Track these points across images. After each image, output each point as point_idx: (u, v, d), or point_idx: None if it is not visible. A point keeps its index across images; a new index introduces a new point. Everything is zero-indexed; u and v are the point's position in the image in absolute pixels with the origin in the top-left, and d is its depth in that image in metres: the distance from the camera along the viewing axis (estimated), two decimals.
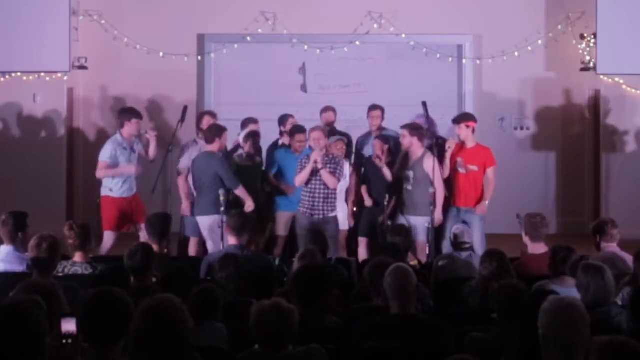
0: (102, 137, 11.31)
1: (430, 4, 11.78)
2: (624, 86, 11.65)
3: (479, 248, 8.24)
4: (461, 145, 9.07)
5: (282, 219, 9.17)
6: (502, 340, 4.58)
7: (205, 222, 8.60)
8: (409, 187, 8.87)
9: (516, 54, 11.64)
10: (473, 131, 9.10)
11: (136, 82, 11.75)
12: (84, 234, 6.70)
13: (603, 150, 11.74)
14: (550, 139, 12.02)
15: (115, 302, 3.84)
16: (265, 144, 9.78)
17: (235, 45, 11.86)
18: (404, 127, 9.05)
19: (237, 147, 9.43)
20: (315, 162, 8.55)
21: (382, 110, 9.93)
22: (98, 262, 6.78)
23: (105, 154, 8.99)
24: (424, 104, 9.16)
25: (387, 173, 8.95)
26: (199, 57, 11.83)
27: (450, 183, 8.97)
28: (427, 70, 11.88)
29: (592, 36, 11.46)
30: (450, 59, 11.90)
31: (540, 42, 11.71)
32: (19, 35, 11.12)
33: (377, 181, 9.10)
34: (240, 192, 8.61)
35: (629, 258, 6.53)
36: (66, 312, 4.33)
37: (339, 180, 8.73)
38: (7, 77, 11.50)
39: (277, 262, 7.28)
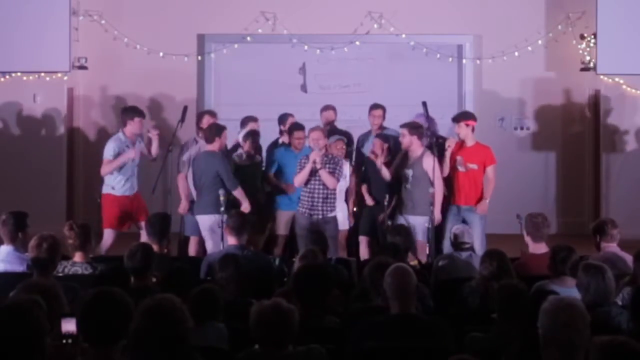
0: (102, 137, 11.32)
1: (430, 4, 11.78)
2: (624, 86, 11.65)
3: (479, 247, 8.24)
4: (461, 143, 9.08)
5: (283, 218, 9.17)
6: (502, 340, 4.58)
7: (205, 221, 8.61)
8: (408, 186, 8.87)
9: (516, 54, 11.64)
10: (473, 130, 9.11)
11: (136, 82, 11.75)
12: (84, 234, 6.71)
13: (603, 150, 11.74)
14: (550, 139, 12.02)
15: (115, 302, 3.84)
16: (265, 144, 9.79)
17: (235, 45, 11.86)
18: (403, 126, 9.05)
19: (237, 146, 9.42)
20: (314, 162, 8.56)
21: (384, 109, 9.93)
22: (98, 262, 6.78)
23: (108, 152, 9.00)
24: (424, 104, 9.16)
25: (386, 172, 8.95)
26: (199, 57, 11.83)
27: (449, 181, 8.98)
28: (427, 70, 11.88)
29: (592, 36, 11.46)
30: (450, 59, 11.90)
31: (540, 42, 11.71)
32: (19, 35, 11.12)
33: (377, 180, 9.10)
34: (237, 193, 8.60)
35: (629, 258, 6.53)
36: (66, 312, 4.34)
37: (338, 180, 8.72)
38: (7, 77, 11.50)
39: (277, 262, 7.29)
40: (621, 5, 11.32)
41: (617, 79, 11.62)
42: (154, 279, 6.06)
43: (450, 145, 9.02)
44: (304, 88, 12.20)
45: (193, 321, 3.82)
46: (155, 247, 6.66)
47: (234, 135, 9.63)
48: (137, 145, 9.14)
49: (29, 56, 11.18)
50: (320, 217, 8.66)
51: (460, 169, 8.99)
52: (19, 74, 11.45)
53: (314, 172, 8.62)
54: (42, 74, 11.47)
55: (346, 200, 9.21)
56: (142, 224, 8.69)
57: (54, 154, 11.65)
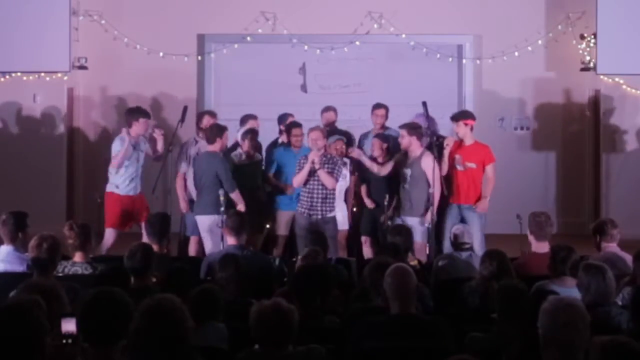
0: (102, 137, 11.33)
1: (430, 4, 11.78)
2: (624, 86, 11.66)
3: (478, 245, 8.23)
4: (459, 142, 9.08)
5: (283, 218, 9.16)
6: (502, 340, 4.58)
7: (205, 221, 8.60)
8: (406, 186, 8.87)
9: (516, 54, 11.64)
10: (471, 129, 9.10)
11: (136, 82, 11.75)
12: (84, 234, 6.70)
13: (603, 150, 11.74)
14: (550, 139, 12.02)
15: (115, 302, 3.85)
16: (265, 144, 9.79)
17: (235, 45, 11.86)
18: (402, 126, 9.04)
19: (236, 144, 9.41)
20: (313, 162, 8.55)
21: (387, 109, 9.91)
22: (98, 262, 6.77)
23: (116, 148, 9.04)
24: (424, 103, 9.15)
25: (379, 169, 8.93)
26: (199, 57, 11.83)
27: (448, 180, 8.98)
28: (427, 70, 11.88)
29: (592, 36, 11.46)
30: (450, 59, 11.90)
31: (540, 42, 11.72)
32: (19, 35, 11.12)
33: (377, 181, 9.09)
34: (234, 196, 8.59)
35: (629, 258, 6.53)
36: (66, 312, 4.33)
37: (337, 180, 8.72)
38: (7, 77, 11.50)
39: (277, 262, 7.29)
40: (621, 5, 11.32)
41: (617, 79, 11.62)
42: (154, 279, 6.06)
43: (448, 144, 9.02)
44: (304, 88, 12.20)
45: (193, 321, 3.82)
46: (155, 247, 6.66)
47: (234, 135, 9.63)
48: (143, 146, 9.15)
49: (29, 56, 11.18)
50: (320, 217, 8.66)
51: (459, 167, 8.98)
52: (19, 74, 11.45)
53: (312, 173, 8.62)
54: (42, 74, 11.47)
55: (345, 200, 9.21)
56: (144, 224, 8.70)
57: (54, 154, 11.65)
